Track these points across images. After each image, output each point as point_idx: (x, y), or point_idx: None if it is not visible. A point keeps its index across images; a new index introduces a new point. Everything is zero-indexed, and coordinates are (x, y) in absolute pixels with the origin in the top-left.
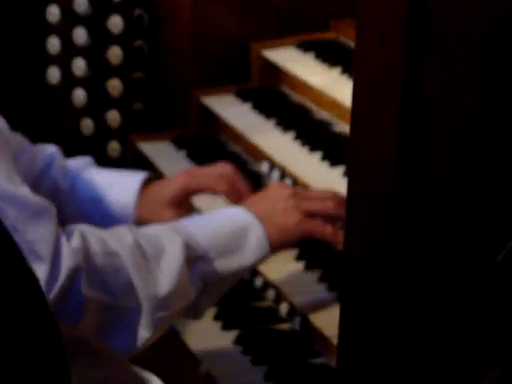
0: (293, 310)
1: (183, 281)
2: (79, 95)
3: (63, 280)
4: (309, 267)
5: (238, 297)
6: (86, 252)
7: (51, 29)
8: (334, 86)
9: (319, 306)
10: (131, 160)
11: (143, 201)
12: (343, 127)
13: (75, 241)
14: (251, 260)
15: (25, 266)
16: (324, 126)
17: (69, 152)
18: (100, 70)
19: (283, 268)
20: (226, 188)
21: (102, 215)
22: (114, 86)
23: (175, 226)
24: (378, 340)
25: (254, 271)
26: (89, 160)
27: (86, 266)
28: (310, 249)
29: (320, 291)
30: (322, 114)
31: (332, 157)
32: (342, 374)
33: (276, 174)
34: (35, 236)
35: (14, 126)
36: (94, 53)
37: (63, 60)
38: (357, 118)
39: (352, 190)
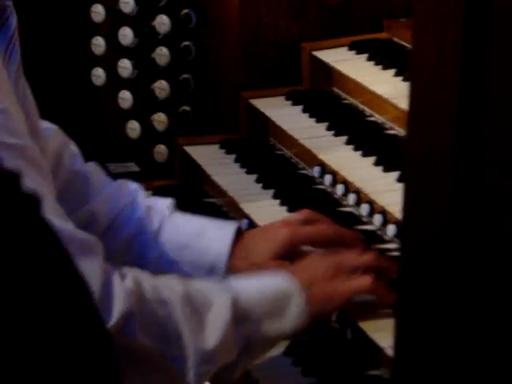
0: (344, 319)
1: (229, 338)
2: (125, 97)
3: (116, 320)
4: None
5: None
6: (139, 296)
7: (96, 29)
8: (388, 88)
9: (371, 314)
10: (178, 164)
11: (237, 254)
12: (397, 131)
13: (129, 283)
14: (290, 327)
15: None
16: (377, 130)
17: (114, 156)
18: (146, 71)
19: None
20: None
21: (189, 263)
22: (161, 87)
23: (223, 283)
24: (437, 350)
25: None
26: (173, 202)
27: (139, 311)
28: None
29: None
30: (376, 116)
31: (386, 161)
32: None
33: (328, 179)
34: (84, 270)
35: (61, 127)
36: (140, 54)
37: (109, 61)
38: (413, 121)
39: (408, 195)
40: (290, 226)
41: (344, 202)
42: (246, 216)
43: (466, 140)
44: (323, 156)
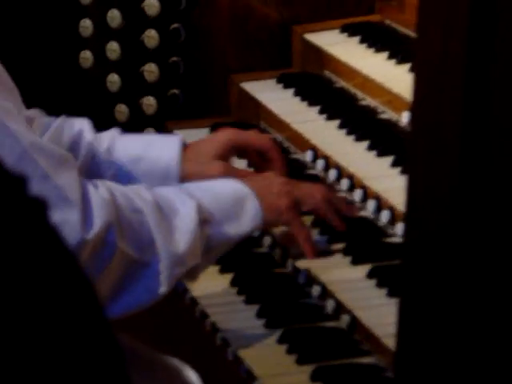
0: (339, 308)
1: (196, 241)
2: (113, 80)
3: (98, 230)
4: (356, 262)
5: (281, 294)
6: (115, 205)
7: (84, 11)
8: (380, 71)
9: (367, 303)
10: None
11: (185, 158)
12: (390, 115)
13: (103, 192)
14: (247, 229)
15: (81, 273)
16: (370, 114)
17: None
18: (135, 54)
19: (329, 263)
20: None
21: (143, 174)
22: (150, 70)
23: (182, 188)
24: (441, 340)
25: (297, 266)
26: (119, 130)
27: (117, 218)
28: (357, 243)
29: (368, 287)
30: (368, 100)
31: (379, 146)
32: (400, 376)
33: (320, 164)
34: (64, 182)
35: (48, 110)
36: (128, 36)
37: (97, 44)
38: (417, 108)
39: (412, 183)
40: (231, 129)
41: (337, 187)
42: None
43: (472, 129)
44: (315, 140)
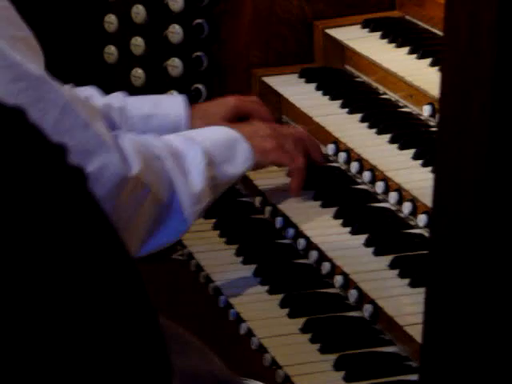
0: (362, 297)
1: (208, 180)
2: (138, 75)
3: (138, 170)
4: (378, 253)
5: (304, 283)
6: (140, 151)
7: (109, 6)
8: (402, 66)
9: (389, 293)
10: None
11: (194, 116)
12: (412, 108)
13: (127, 140)
14: (240, 170)
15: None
16: (392, 107)
17: None
18: (159, 49)
19: (352, 254)
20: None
21: (154, 131)
22: (174, 65)
23: (185, 135)
24: (467, 329)
25: (320, 256)
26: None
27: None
28: (379, 234)
29: (390, 278)
30: (389, 94)
31: (401, 139)
32: (426, 365)
33: (342, 156)
34: (100, 129)
35: None
36: (152, 31)
37: (121, 38)
38: (445, 99)
39: (439, 175)
40: (238, 97)
41: (359, 180)
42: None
43: (500, 121)
44: (337, 134)
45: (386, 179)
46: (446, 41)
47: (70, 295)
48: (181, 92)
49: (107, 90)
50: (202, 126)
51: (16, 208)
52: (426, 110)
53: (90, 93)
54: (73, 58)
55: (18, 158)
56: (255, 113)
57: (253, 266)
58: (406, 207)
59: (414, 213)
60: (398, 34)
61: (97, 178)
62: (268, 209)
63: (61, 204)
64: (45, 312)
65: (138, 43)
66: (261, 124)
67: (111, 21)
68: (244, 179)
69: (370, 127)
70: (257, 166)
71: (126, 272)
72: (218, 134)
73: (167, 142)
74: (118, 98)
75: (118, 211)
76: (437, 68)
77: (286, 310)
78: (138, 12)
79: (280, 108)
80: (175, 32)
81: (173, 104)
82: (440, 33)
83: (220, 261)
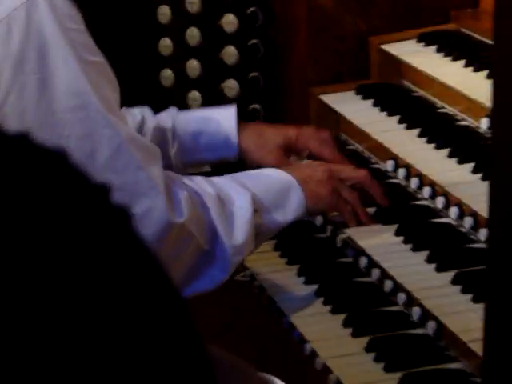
0: (425, 314)
1: (251, 231)
2: (195, 97)
3: (186, 218)
4: (440, 269)
5: (366, 302)
6: (191, 199)
7: (163, 29)
8: (458, 79)
9: (452, 309)
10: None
11: (248, 135)
12: (469, 121)
13: (181, 186)
14: (292, 217)
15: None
16: (450, 121)
17: None
18: (215, 70)
19: (414, 270)
20: (330, 155)
21: (206, 147)
22: (230, 87)
23: (236, 179)
24: None
25: (382, 274)
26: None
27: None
28: (440, 250)
29: (453, 293)
30: (447, 108)
31: (460, 153)
32: (488, 381)
33: (402, 173)
34: (154, 173)
35: None
36: (208, 53)
37: (177, 61)
38: (497, 113)
39: (494, 189)
40: (299, 129)
41: (419, 196)
42: None
43: None
44: (396, 149)
45: (446, 194)
46: (496, 51)
47: (119, 333)
48: (238, 113)
49: None
50: (254, 149)
51: (61, 252)
52: (483, 123)
53: (142, 114)
54: (129, 82)
55: (59, 200)
56: (316, 152)
57: (315, 286)
58: (467, 222)
59: (476, 227)
60: (454, 47)
61: (142, 220)
62: (329, 228)
63: (105, 243)
64: (96, 346)
65: (193, 66)
66: (318, 165)
67: (166, 44)
68: None
69: (429, 142)
70: (310, 213)
71: (175, 306)
72: (271, 178)
73: (217, 185)
74: (169, 117)
75: (159, 255)
76: None
77: (350, 330)
78: (193, 35)
79: (338, 126)
80: (230, 53)
81: (223, 119)
82: None
83: (282, 281)
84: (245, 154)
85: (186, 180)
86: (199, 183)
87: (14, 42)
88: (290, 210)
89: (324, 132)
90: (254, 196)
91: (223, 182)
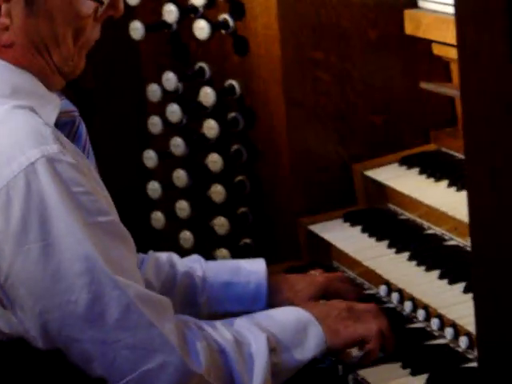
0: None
1: (268, 373)
2: (186, 237)
3: (203, 369)
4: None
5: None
6: (209, 348)
7: (150, 174)
8: (443, 199)
9: None
10: None
11: (279, 287)
12: (457, 241)
13: (199, 336)
14: (310, 355)
15: None
16: (438, 242)
17: None
18: (204, 209)
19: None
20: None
21: (234, 299)
22: (220, 224)
23: (253, 319)
24: None
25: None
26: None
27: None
28: (438, 372)
29: None
30: (434, 229)
31: (450, 274)
32: None
33: (395, 297)
34: (166, 328)
35: None
36: (196, 193)
37: (166, 203)
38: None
39: (479, 307)
40: (326, 277)
41: (414, 319)
42: None
43: None
44: (388, 275)
45: (440, 316)
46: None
47: None
48: (230, 249)
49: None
50: (286, 301)
51: None
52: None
53: (171, 260)
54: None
55: None
56: (343, 292)
57: None
58: (463, 341)
59: (472, 347)
60: (436, 168)
61: (159, 375)
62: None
63: None
64: None
65: (182, 206)
66: (335, 302)
67: (155, 187)
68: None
69: (419, 265)
70: (331, 349)
71: None
72: (288, 316)
73: (235, 330)
74: (198, 264)
75: None
76: None
77: None
78: (180, 176)
79: (329, 254)
80: (218, 191)
81: (253, 271)
82: None
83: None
84: (275, 306)
85: (205, 325)
86: (217, 328)
87: (15, 210)
88: (309, 348)
89: (341, 274)
90: (270, 337)
91: (241, 324)
